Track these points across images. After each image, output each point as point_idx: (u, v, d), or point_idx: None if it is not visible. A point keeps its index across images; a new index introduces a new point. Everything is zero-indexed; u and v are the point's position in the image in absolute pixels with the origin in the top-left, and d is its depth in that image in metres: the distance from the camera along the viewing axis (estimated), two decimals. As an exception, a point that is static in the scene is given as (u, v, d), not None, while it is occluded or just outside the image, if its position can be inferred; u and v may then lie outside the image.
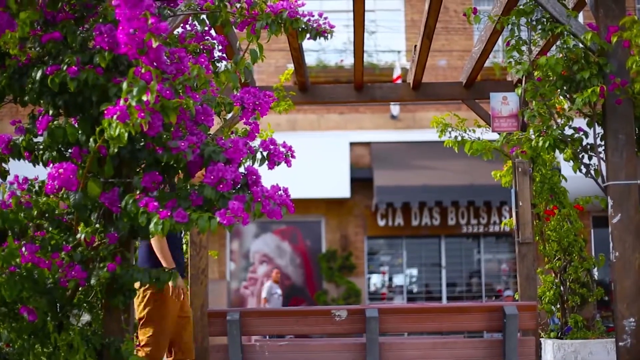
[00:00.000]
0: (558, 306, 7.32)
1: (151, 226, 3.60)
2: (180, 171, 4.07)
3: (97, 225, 3.99)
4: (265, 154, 4.20)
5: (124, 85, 3.37)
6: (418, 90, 8.38)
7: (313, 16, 4.36)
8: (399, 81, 15.53)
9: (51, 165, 3.99)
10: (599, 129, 5.47)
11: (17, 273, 3.80)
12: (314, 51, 16.91)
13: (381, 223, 16.98)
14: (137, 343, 5.81)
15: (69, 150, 4.02)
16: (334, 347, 4.84)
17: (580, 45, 5.34)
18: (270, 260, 17.39)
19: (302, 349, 4.78)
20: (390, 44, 17.51)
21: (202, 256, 7.46)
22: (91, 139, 3.77)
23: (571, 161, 5.56)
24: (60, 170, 3.72)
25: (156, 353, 5.77)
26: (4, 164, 4.14)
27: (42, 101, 4.00)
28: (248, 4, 4.23)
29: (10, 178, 4.08)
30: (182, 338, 6.05)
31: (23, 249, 3.86)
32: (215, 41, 4.52)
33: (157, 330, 5.76)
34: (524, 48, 5.85)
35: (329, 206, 17.22)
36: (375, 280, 17.92)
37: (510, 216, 7.76)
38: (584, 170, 5.52)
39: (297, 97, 8.27)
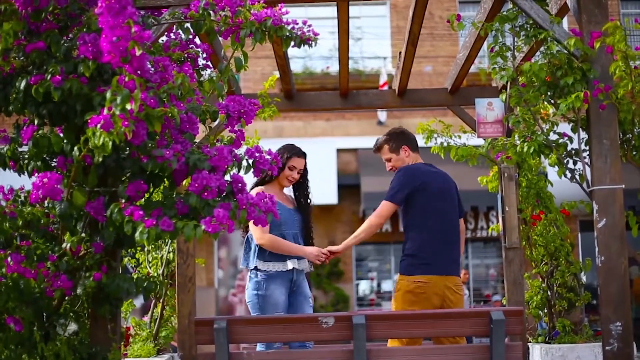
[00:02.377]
0: (545, 311, 7.33)
1: (137, 235, 3.60)
2: (165, 180, 4.08)
3: (83, 235, 3.98)
4: (250, 161, 4.21)
5: (108, 94, 3.38)
6: (403, 96, 8.39)
7: (297, 24, 4.37)
8: (385, 87, 15.56)
9: (36, 174, 3.98)
10: (583, 134, 5.48)
11: (2, 283, 3.80)
12: (300, 58, 16.94)
13: (369, 229, 16.97)
14: None
15: (54, 160, 4.02)
16: (321, 354, 4.84)
17: (564, 51, 5.36)
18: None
19: (290, 356, 4.78)
20: (375, 51, 17.54)
21: (189, 264, 7.44)
22: (76, 148, 3.76)
23: (556, 166, 5.58)
24: (45, 180, 3.72)
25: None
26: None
27: (26, 111, 4.00)
28: (232, 12, 4.23)
29: (-5, 188, 4.08)
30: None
31: (8, 258, 3.85)
32: (199, 49, 4.53)
33: None
34: (507, 54, 5.86)
35: (316, 212, 17.08)
36: (364, 286, 17.93)
37: (498, 221, 7.77)
38: (569, 175, 5.54)
39: (283, 104, 8.27)
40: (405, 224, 6.15)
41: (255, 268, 5.94)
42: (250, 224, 5.59)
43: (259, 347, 5.72)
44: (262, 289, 5.89)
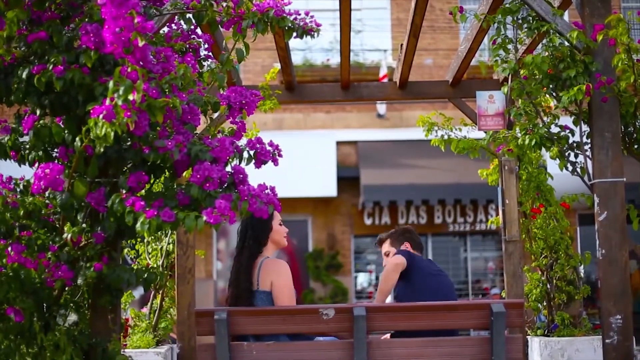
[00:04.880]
0: (544, 304, 7.34)
1: (137, 226, 3.59)
2: (166, 171, 4.07)
3: (84, 225, 3.97)
4: (252, 152, 4.20)
5: (110, 84, 3.36)
6: (404, 89, 8.38)
7: (299, 15, 4.36)
8: (385, 80, 15.54)
9: (37, 165, 3.97)
10: (585, 127, 5.48)
11: (3, 273, 3.79)
12: (301, 50, 16.90)
13: (368, 222, 16.98)
14: None
15: (55, 150, 4.01)
16: (321, 345, 4.83)
17: (566, 43, 5.35)
18: (257, 260, 17.32)
19: (290, 347, 4.77)
20: (376, 43, 17.51)
21: (189, 255, 7.45)
22: (77, 139, 3.75)
23: (557, 159, 5.58)
24: (47, 171, 3.71)
25: None
26: (-11, 164, 4.13)
27: (28, 101, 3.98)
28: (234, 2, 4.23)
29: (-5, 178, 4.07)
30: None
31: (9, 249, 3.84)
32: (201, 40, 4.51)
33: None
34: (510, 46, 5.85)
35: (315, 205, 17.22)
36: (362, 279, 17.92)
37: (497, 214, 7.78)
38: (570, 168, 5.54)
39: (283, 96, 8.26)
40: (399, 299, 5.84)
41: None
42: None
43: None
44: None
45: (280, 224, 5.52)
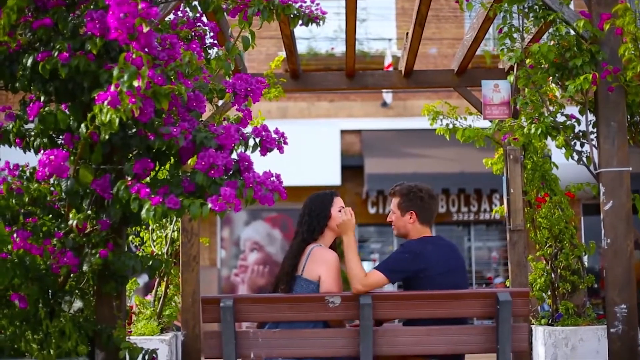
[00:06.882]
0: (549, 293, 7.34)
1: (143, 212, 3.59)
2: (172, 158, 4.06)
3: (89, 212, 3.98)
4: (257, 140, 4.19)
5: (115, 71, 3.35)
6: (410, 77, 8.36)
7: (305, 2, 4.35)
8: (390, 69, 15.50)
9: (42, 151, 3.97)
10: (591, 117, 5.47)
11: (8, 260, 3.79)
12: (305, 39, 16.86)
13: (372, 211, 16.98)
14: None
15: (60, 137, 4.01)
16: (327, 333, 4.83)
17: (573, 32, 5.33)
18: (261, 248, 17.37)
19: (296, 335, 4.77)
20: (380, 32, 17.46)
21: (194, 243, 7.46)
22: (82, 125, 3.75)
23: (563, 148, 5.57)
24: (52, 157, 3.71)
25: None
26: (-6, 151, 4.13)
27: (32, 88, 3.98)
28: (240, -10, 4.22)
29: (0, 164, 4.07)
30: None
31: (15, 235, 3.85)
32: (207, 28, 4.51)
33: None
34: (516, 35, 5.83)
35: (319, 194, 17.18)
36: (366, 267, 17.90)
37: (501, 204, 7.77)
38: (576, 157, 5.53)
39: (288, 84, 8.24)
40: None
41: None
42: None
43: None
44: None
45: (341, 210, 5.25)
